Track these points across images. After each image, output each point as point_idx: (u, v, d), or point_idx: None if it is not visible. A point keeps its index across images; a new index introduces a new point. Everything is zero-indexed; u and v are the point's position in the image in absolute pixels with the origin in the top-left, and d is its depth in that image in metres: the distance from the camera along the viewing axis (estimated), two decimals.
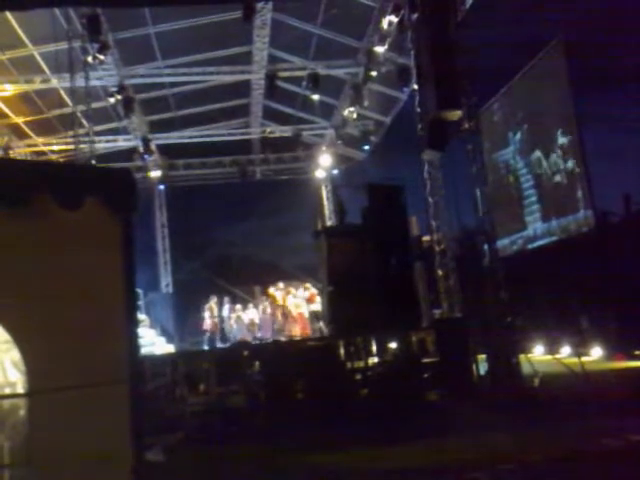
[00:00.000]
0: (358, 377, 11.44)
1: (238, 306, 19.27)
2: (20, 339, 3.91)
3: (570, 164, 15.02)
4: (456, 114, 11.11)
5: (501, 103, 18.41)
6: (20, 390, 4.25)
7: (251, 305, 19.46)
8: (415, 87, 13.84)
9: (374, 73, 16.58)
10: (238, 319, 18.71)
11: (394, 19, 14.37)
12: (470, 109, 12.14)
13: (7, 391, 4.55)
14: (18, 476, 3.96)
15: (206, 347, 17.61)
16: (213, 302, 18.94)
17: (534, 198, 17.23)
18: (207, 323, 18.70)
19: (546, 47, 15.49)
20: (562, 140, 15.38)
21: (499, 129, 18.56)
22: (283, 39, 16.53)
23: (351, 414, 9.34)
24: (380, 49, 15.67)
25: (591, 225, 14.43)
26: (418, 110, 13.21)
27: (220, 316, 18.78)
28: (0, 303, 3.88)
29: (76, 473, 3.72)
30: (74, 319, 4.07)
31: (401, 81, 16.24)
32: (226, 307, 19.07)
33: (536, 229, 17.21)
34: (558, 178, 15.79)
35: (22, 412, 4.11)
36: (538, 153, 16.68)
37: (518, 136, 17.72)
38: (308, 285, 18.48)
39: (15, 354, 4.20)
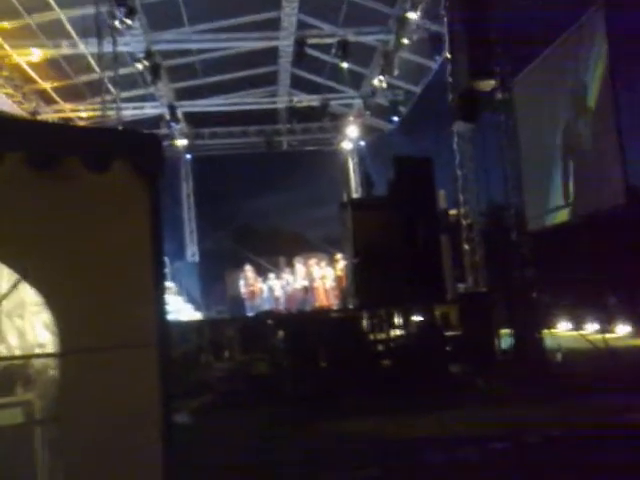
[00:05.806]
0: (380, 348, 11.47)
1: (272, 275, 19.43)
2: (52, 301, 3.93)
3: (603, 136, 14.66)
4: (489, 84, 10.94)
5: (537, 71, 17.90)
6: (50, 351, 4.30)
7: (274, 276, 19.59)
8: (447, 56, 13.55)
9: (405, 41, 16.24)
10: (270, 289, 18.90)
11: None
12: (504, 78, 11.92)
13: (37, 351, 4.62)
14: (49, 432, 4.04)
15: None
16: (249, 271, 19.12)
17: (565, 171, 16.89)
18: (243, 292, 18.97)
19: (587, 11, 14.94)
20: (598, 110, 14.98)
21: (534, 99, 18.11)
22: (312, 4, 16.27)
23: (373, 384, 9.37)
24: (412, 16, 15.30)
25: (621, 199, 14.14)
26: (450, 80, 12.96)
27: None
28: (33, 266, 3.90)
29: (106, 433, 3.77)
30: (104, 282, 4.08)
31: (433, 49, 15.94)
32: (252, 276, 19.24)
33: (565, 203, 16.91)
34: (590, 150, 15.43)
35: (52, 372, 4.17)
36: (571, 124, 16.29)
37: (554, 106, 17.25)
38: (337, 257, 18.43)
39: (45, 316, 4.24)
